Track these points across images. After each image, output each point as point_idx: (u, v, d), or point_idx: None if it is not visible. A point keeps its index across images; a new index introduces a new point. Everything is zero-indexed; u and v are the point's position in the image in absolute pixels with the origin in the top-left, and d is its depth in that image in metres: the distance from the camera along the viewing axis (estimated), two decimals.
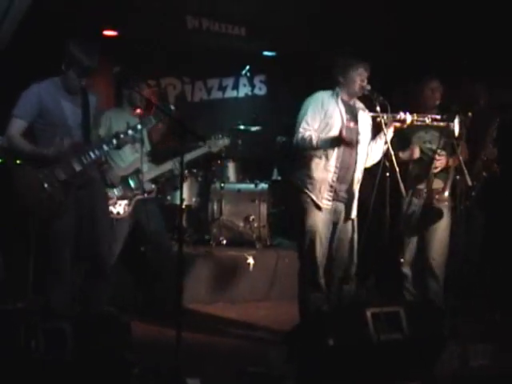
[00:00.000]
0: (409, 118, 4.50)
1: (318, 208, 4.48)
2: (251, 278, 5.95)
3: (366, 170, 4.64)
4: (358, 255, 4.61)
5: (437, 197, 4.85)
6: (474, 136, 4.94)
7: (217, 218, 6.36)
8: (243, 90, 8.04)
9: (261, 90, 8.16)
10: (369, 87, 4.47)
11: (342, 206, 4.57)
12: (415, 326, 3.63)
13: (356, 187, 4.57)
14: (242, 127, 6.95)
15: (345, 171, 4.50)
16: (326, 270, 4.54)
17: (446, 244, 4.92)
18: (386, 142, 4.44)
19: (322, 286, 4.50)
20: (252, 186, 6.55)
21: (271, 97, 8.10)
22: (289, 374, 3.68)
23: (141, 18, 6.81)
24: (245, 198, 6.44)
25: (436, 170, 4.82)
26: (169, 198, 6.28)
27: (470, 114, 4.81)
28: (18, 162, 4.18)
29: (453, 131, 4.57)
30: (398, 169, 4.36)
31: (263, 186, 6.53)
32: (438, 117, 4.61)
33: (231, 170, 6.79)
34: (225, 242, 6.32)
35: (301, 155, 4.56)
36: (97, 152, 4.19)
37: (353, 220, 4.61)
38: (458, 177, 4.74)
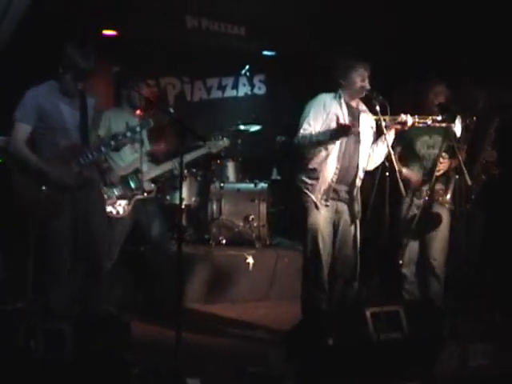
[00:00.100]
0: (410, 120, 4.49)
1: (319, 208, 4.48)
2: (251, 277, 5.95)
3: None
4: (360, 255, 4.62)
5: (440, 199, 4.86)
6: (473, 138, 4.93)
7: (216, 217, 6.37)
8: (243, 90, 8.04)
9: (260, 90, 8.17)
10: (368, 87, 4.48)
11: (343, 206, 4.57)
12: (415, 326, 3.64)
13: (357, 188, 4.57)
14: (241, 127, 6.95)
15: (345, 172, 4.50)
16: (329, 270, 4.54)
17: (446, 244, 4.93)
18: (386, 144, 4.43)
19: (324, 287, 4.49)
20: (251, 185, 6.55)
21: (271, 96, 8.10)
22: (288, 373, 3.68)
23: (140, 17, 6.81)
24: (244, 198, 6.44)
25: (439, 173, 4.84)
26: (168, 197, 6.28)
27: (474, 118, 4.81)
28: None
29: (454, 132, 4.56)
30: (397, 168, 4.36)
31: (263, 185, 6.53)
32: (439, 118, 4.60)
33: (231, 169, 6.79)
34: (224, 241, 6.32)
35: (301, 156, 4.56)
36: (95, 153, 4.20)
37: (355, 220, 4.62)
38: (457, 176, 4.75)
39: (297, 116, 4.59)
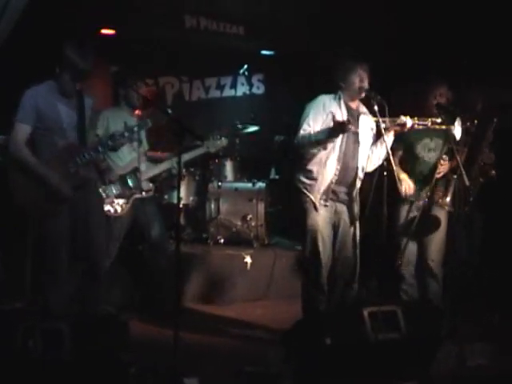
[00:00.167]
0: (409, 122, 4.49)
1: (318, 209, 4.48)
2: (249, 277, 5.94)
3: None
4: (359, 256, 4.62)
5: (440, 201, 4.86)
6: (471, 141, 4.94)
7: (214, 217, 6.37)
8: (241, 89, 8.03)
9: (259, 89, 8.16)
10: (367, 87, 4.47)
11: (342, 207, 4.57)
12: (413, 326, 3.63)
13: (357, 189, 4.57)
14: (239, 126, 6.95)
15: (345, 173, 4.50)
16: (329, 271, 4.54)
17: (444, 245, 4.95)
18: (385, 146, 4.44)
19: (324, 288, 4.49)
20: (250, 185, 6.55)
21: (269, 96, 8.10)
22: (286, 372, 3.68)
23: (139, 17, 6.80)
24: (242, 197, 6.44)
25: (439, 176, 4.84)
26: (166, 197, 6.28)
27: (476, 121, 4.81)
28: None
29: (454, 135, 4.56)
30: (395, 168, 4.36)
31: (261, 185, 6.53)
32: (439, 120, 4.59)
33: (229, 168, 6.79)
34: (222, 240, 6.32)
35: (301, 156, 4.56)
36: (92, 153, 4.19)
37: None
38: (454, 176, 4.76)
39: (296, 116, 4.60)
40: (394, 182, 4.41)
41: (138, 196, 5.11)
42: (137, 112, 5.27)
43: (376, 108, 4.40)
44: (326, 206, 4.49)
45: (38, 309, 4.23)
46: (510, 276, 5.37)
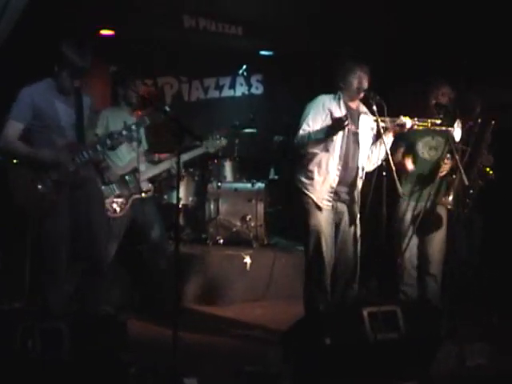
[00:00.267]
0: (409, 122, 4.49)
1: (319, 208, 4.49)
2: (248, 277, 5.94)
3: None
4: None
5: (442, 200, 4.86)
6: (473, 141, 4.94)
7: (214, 217, 6.36)
8: (240, 90, 8.04)
9: (257, 90, 8.16)
10: (365, 87, 4.48)
11: (343, 207, 4.58)
12: (412, 326, 3.63)
13: (358, 189, 4.58)
14: (238, 126, 6.95)
15: (346, 173, 4.50)
16: (331, 271, 4.54)
17: (444, 245, 4.96)
18: (384, 146, 4.44)
19: (327, 288, 4.49)
20: (249, 185, 6.55)
21: (268, 96, 8.10)
22: (285, 372, 3.68)
23: (138, 17, 6.80)
24: (242, 198, 6.44)
25: (442, 174, 4.84)
26: (166, 197, 6.28)
27: (479, 120, 4.81)
28: (14, 161, 4.17)
29: (453, 136, 4.56)
30: (394, 168, 4.36)
31: (260, 185, 6.53)
32: (439, 121, 4.59)
33: (228, 169, 6.79)
34: (222, 241, 6.32)
35: (301, 156, 4.56)
36: (90, 152, 4.19)
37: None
38: (454, 176, 4.76)
39: (296, 116, 4.60)
40: (393, 182, 4.41)
41: (137, 196, 5.11)
42: (136, 112, 5.26)
43: (375, 108, 4.41)
44: (327, 206, 4.49)
45: (37, 309, 4.22)
46: (509, 276, 5.37)
